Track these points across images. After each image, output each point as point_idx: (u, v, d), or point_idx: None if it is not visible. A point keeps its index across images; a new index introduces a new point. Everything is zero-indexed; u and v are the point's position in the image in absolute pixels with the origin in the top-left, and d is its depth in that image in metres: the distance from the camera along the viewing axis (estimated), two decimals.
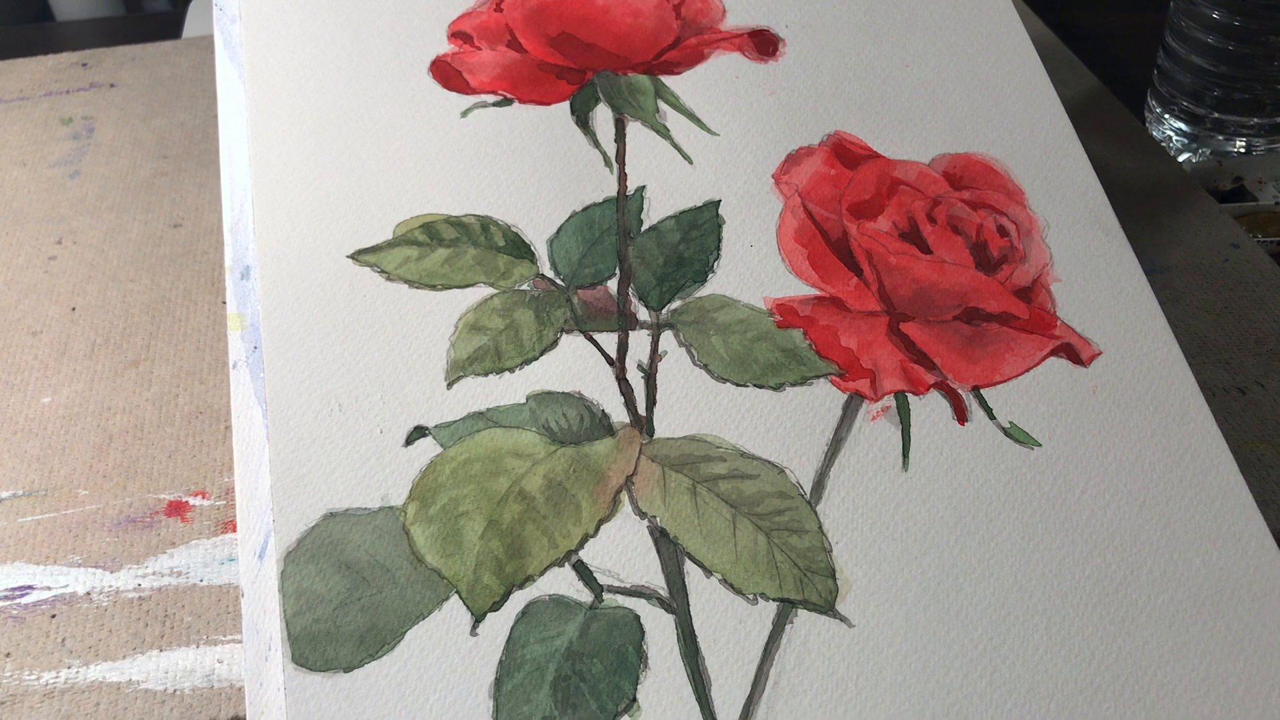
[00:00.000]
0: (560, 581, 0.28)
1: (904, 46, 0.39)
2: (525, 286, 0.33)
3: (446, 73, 0.38)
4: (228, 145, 0.37)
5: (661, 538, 0.29)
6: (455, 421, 0.31)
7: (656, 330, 0.33)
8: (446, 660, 0.27)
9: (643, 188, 0.36)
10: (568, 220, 0.35)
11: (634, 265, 0.34)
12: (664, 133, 0.37)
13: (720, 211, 0.35)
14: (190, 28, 0.73)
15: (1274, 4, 0.55)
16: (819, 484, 0.30)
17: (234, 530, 0.39)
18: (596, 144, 0.36)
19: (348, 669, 0.27)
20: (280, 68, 0.38)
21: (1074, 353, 0.33)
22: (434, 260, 0.33)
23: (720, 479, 0.30)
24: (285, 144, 0.36)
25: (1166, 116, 0.61)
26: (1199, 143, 0.60)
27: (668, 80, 0.38)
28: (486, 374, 0.31)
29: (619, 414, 0.31)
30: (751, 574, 0.28)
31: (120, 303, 0.48)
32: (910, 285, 0.33)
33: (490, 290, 0.33)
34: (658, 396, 0.31)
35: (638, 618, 0.28)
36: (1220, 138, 0.59)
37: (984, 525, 0.29)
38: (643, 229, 0.35)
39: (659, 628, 0.28)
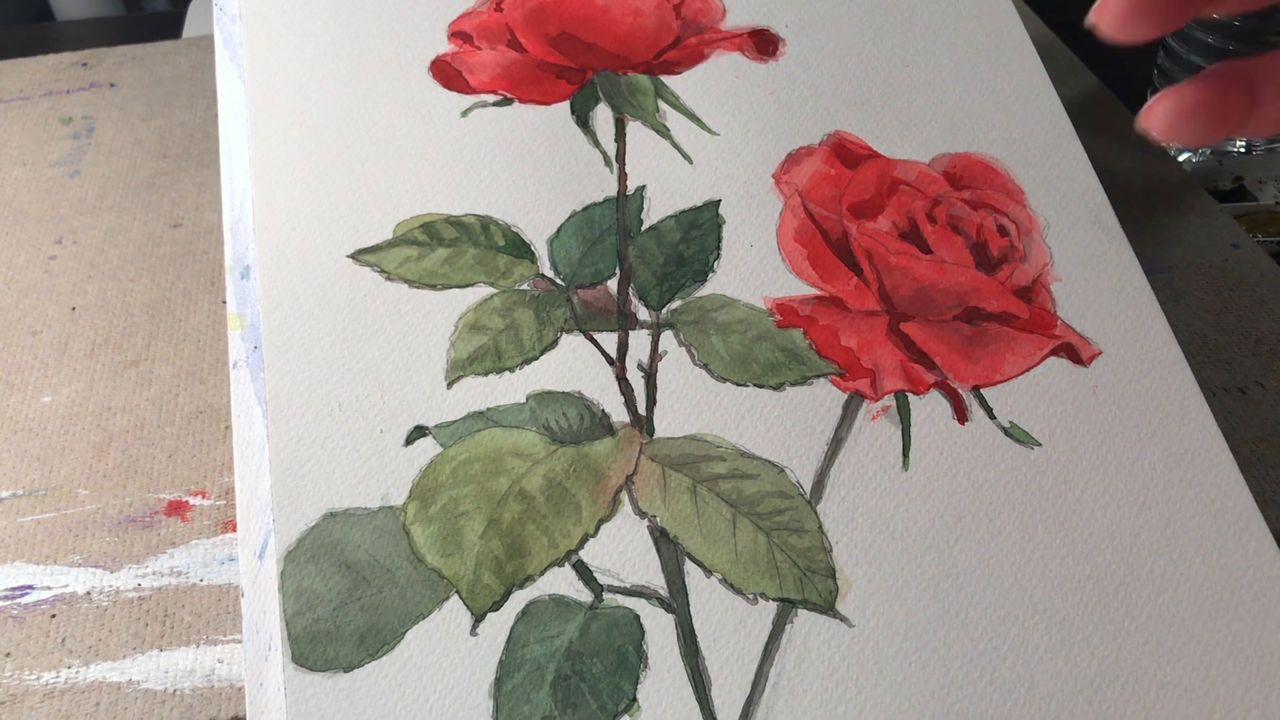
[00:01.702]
0: (560, 581, 0.28)
1: (904, 46, 0.39)
2: (525, 286, 0.33)
3: (446, 73, 0.38)
4: (228, 145, 0.37)
5: (661, 537, 0.29)
6: (455, 421, 0.31)
7: (656, 330, 0.33)
8: (446, 660, 0.27)
9: (643, 187, 0.36)
10: (568, 220, 0.35)
11: (634, 265, 0.34)
12: (664, 132, 0.37)
13: (720, 211, 0.35)
14: (190, 28, 0.73)
15: (1274, 4, 0.54)
16: (819, 484, 0.30)
17: (234, 530, 0.39)
18: (596, 144, 0.36)
19: (348, 669, 0.27)
20: (280, 68, 0.38)
21: (1074, 352, 0.32)
22: (434, 260, 0.33)
23: (720, 479, 0.30)
24: (285, 144, 0.36)
25: None
26: None
27: (668, 80, 0.38)
28: (486, 374, 0.31)
29: (619, 414, 0.31)
30: (751, 574, 0.28)
31: (120, 303, 0.48)
32: (910, 285, 0.33)
33: (490, 290, 0.33)
34: (658, 396, 0.31)
35: (638, 618, 0.28)
36: None
37: (984, 525, 0.29)
38: (643, 229, 0.35)
39: (659, 628, 0.28)
